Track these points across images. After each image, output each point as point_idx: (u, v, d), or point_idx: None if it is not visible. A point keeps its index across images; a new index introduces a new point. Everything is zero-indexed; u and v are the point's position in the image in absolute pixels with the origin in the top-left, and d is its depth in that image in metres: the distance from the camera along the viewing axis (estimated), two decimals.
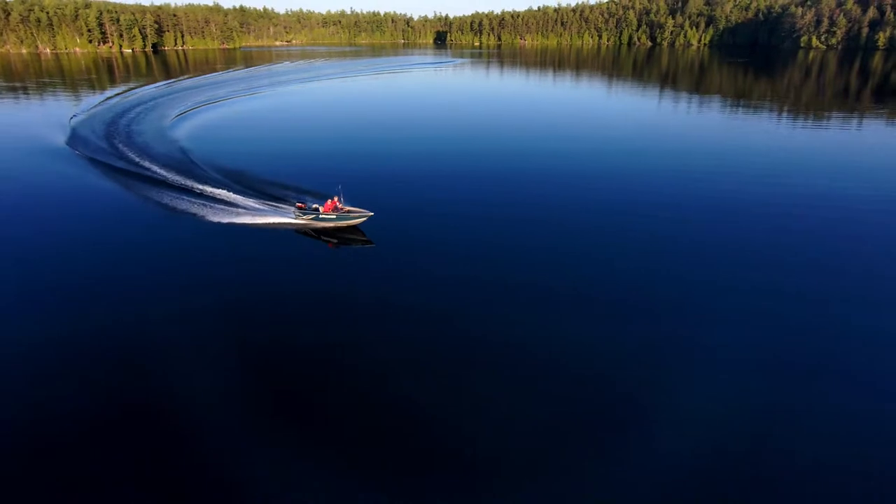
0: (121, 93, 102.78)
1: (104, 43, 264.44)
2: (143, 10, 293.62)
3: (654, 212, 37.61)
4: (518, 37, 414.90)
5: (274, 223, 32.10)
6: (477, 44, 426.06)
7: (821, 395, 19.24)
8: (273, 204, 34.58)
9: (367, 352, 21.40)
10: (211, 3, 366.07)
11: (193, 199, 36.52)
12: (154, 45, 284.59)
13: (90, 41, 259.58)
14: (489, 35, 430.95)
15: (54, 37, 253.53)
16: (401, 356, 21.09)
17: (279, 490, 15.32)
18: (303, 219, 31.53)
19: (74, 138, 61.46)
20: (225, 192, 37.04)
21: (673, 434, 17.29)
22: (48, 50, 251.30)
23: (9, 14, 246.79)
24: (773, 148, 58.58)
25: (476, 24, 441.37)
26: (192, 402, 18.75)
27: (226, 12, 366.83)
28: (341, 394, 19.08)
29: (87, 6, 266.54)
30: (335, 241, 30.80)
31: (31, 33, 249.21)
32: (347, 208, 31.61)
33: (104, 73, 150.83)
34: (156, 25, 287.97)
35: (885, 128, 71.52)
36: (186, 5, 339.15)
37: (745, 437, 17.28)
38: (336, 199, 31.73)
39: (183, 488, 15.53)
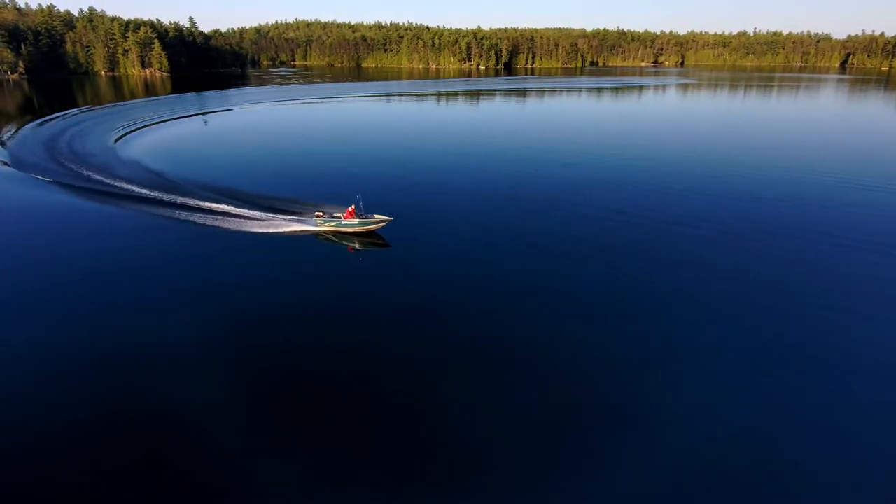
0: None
1: (468, 61, 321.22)
2: (505, 35, 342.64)
3: None
4: None
5: (300, 230, 34.22)
6: (885, 68, 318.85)
7: (816, 394, 19.14)
8: (298, 216, 36.09)
9: (380, 350, 21.76)
10: (586, 28, 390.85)
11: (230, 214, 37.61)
12: (506, 64, 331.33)
13: (459, 60, 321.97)
14: None
15: (439, 56, 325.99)
16: (413, 355, 21.53)
17: (294, 491, 15.09)
18: (324, 226, 33.77)
19: None
20: (256, 212, 37.58)
21: (672, 434, 17.31)
22: (433, 66, 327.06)
23: (418, 39, 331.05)
24: None
25: (890, 45, 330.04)
26: (215, 400, 18.73)
27: (576, 35, 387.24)
28: (349, 394, 19.12)
29: (464, 36, 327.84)
30: (355, 245, 32.67)
31: (427, 54, 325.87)
32: (368, 216, 33.55)
33: (462, 76, 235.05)
34: (510, 48, 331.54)
35: None
36: (543, 28, 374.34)
37: (743, 437, 17.21)
38: (354, 206, 33.59)
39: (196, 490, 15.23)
